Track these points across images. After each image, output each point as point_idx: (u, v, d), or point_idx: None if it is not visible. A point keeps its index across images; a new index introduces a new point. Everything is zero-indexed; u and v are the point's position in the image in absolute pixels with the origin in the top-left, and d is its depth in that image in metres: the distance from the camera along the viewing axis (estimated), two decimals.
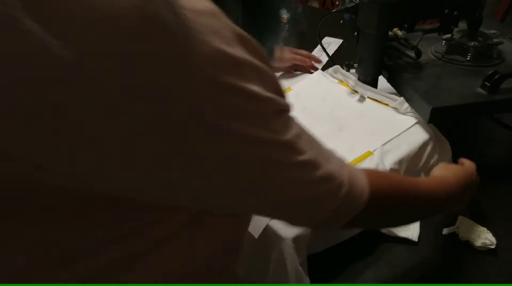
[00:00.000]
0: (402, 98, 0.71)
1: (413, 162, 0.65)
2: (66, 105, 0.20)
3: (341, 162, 0.39)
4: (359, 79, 0.80)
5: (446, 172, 0.55)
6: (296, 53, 1.00)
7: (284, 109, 0.31)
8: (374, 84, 0.80)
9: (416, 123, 0.69)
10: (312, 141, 0.35)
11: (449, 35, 0.76)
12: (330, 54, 1.16)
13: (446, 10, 0.72)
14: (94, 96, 0.21)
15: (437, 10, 0.73)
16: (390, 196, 0.43)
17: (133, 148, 0.24)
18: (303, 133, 0.34)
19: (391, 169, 0.62)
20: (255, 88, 0.27)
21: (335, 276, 0.58)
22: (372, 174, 0.42)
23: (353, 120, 0.72)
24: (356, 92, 0.78)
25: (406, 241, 0.62)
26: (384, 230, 0.62)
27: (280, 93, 0.31)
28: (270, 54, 0.39)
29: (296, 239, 0.52)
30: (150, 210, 0.30)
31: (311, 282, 0.55)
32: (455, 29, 0.76)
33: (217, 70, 0.24)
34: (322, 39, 1.25)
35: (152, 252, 0.32)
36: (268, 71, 0.29)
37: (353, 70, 0.81)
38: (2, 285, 0.28)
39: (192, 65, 0.23)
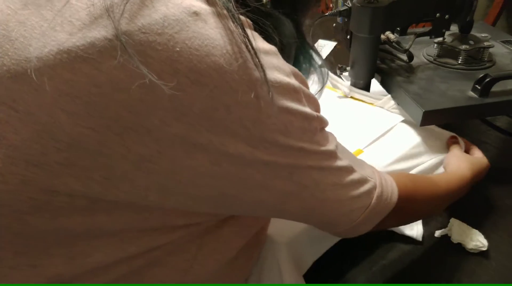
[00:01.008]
0: (388, 96, 0.72)
1: (409, 161, 0.65)
2: (150, 125, 0.25)
3: (371, 167, 0.43)
4: (351, 82, 0.81)
5: (465, 166, 0.60)
6: None
7: (324, 126, 0.37)
8: (367, 87, 0.80)
9: (403, 120, 0.70)
10: (345, 151, 0.40)
11: (440, 39, 0.77)
12: (324, 57, 1.17)
13: (438, 14, 0.72)
14: (176, 119, 0.25)
15: (428, 14, 0.73)
16: (415, 197, 0.48)
17: (205, 165, 0.27)
18: (338, 144, 0.39)
19: (386, 170, 0.62)
20: (308, 109, 0.32)
21: (328, 281, 0.58)
22: (398, 177, 0.46)
23: (341, 120, 0.73)
24: (344, 95, 0.79)
25: (399, 242, 0.62)
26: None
27: (320, 113, 0.36)
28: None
29: (290, 243, 0.52)
30: (173, 217, 0.32)
31: None
32: (447, 33, 0.77)
33: (283, 96, 0.30)
34: (315, 42, 1.26)
35: (162, 262, 0.34)
36: (314, 96, 0.35)
37: (346, 73, 0.81)
38: (2, 285, 0.28)
39: (263, 93, 0.28)
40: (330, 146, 0.36)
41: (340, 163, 0.37)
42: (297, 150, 0.32)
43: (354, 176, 0.39)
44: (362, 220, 0.41)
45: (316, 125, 0.34)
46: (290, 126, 0.31)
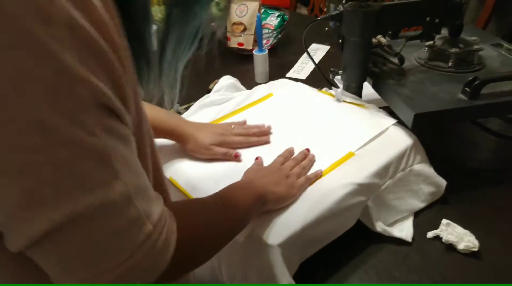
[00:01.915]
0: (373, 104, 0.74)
1: (398, 164, 0.66)
2: None
3: (160, 205, 0.33)
4: (344, 86, 0.82)
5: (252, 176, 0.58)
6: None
7: (112, 108, 0.26)
8: (359, 90, 0.81)
9: (396, 122, 0.71)
10: (138, 170, 0.30)
11: (431, 42, 0.78)
12: (318, 61, 1.18)
13: (428, 18, 0.73)
14: None
15: (418, 18, 0.74)
16: (200, 238, 0.40)
17: None
18: (130, 156, 0.28)
19: (378, 173, 0.62)
20: (69, 58, 0.22)
21: (321, 281, 0.59)
22: (182, 215, 0.37)
23: (334, 122, 0.74)
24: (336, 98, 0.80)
25: (391, 243, 0.63)
26: (379, 229, 0.63)
27: (119, 86, 0.26)
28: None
29: (283, 246, 0.53)
30: None
31: None
32: (437, 36, 0.78)
33: (24, 15, 0.21)
34: (309, 45, 1.27)
35: None
36: (104, 49, 0.24)
37: (338, 77, 0.82)
38: (2, 285, 0.28)
39: None
40: (105, 141, 0.25)
41: (115, 183, 0.26)
42: (37, 123, 0.22)
43: (130, 209, 0.28)
44: (132, 267, 0.29)
45: (83, 92, 0.23)
46: (27, 72, 0.21)
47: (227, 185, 0.51)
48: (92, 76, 0.23)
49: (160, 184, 0.41)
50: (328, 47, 1.25)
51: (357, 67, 0.78)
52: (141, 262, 0.30)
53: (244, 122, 0.75)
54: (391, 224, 0.65)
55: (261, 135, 0.72)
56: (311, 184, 0.61)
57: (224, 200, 0.48)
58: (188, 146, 0.67)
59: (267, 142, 0.71)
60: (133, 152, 0.29)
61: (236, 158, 0.67)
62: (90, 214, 0.26)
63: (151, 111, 0.63)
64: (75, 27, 0.22)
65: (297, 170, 0.62)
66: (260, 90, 0.87)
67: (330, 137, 0.71)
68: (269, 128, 0.74)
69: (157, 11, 0.35)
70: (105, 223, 0.27)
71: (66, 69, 0.22)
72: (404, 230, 0.64)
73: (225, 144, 0.68)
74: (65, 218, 0.25)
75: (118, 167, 0.27)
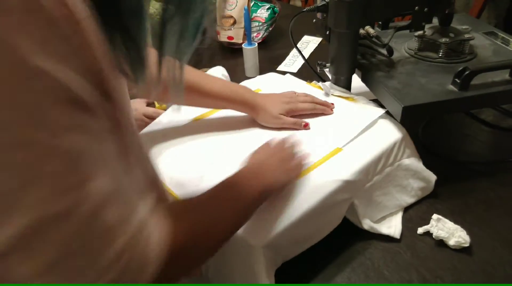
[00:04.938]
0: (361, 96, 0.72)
1: (386, 159, 0.64)
2: None
3: (139, 202, 0.29)
4: (332, 79, 0.80)
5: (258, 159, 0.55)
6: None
7: (87, 104, 0.23)
8: (348, 83, 0.79)
9: (384, 113, 0.69)
10: (115, 168, 0.27)
11: (420, 32, 0.76)
12: (309, 53, 1.16)
13: (416, 7, 0.71)
14: None
15: (406, 7, 0.72)
16: (202, 236, 0.38)
17: None
18: (105, 153, 0.25)
19: (365, 169, 0.61)
20: (25, 45, 0.20)
21: (308, 280, 0.57)
22: (180, 214, 0.36)
23: (321, 117, 0.72)
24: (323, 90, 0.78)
25: (380, 240, 0.62)
26: (366, 227, 0.61)
27: (100, 78, 0.24)
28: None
29: (266, 247, 0.51)
30: None
31: None
32: (427, 26, 0.76)
33: None
34: (301, 38, 1.25)
35: None
36: (72, 37, 0.22)
37: (326, 69, 0.80)
38: (2, 285, 0.26)
39: None
40: (76, 141, 0.23)
41: (85, 187, 0.23)
42: None
43: (103, 216, 0.25)
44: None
45: (47, 86, 0.21)
46: None
47: (212, 180, 0.47)
48: (56, 66, 0.21)
49: (151, 180, 0.40)
50: (320, 39, 1.23)
51: (345, 59, 0.75)
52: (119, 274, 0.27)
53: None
54: (379, 221, 0.63)
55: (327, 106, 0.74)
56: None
57: (229, 191, 0.45)
58: (259, 117, 0.72)
59: (331, 114, 0.73)
60: (109, 148, 0.27)
61: (306, 127, 0.70)
62: (50, 223, 0.23)
63: (220, 81, 0.72)
64: (34, 7, 0.20)
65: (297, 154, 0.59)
66: (247, 85, 0.85)
67: (317, 132, 0.69)
68: (333, 104, 0.75)
69: (154, 5, 0.32)
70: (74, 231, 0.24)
71: (22, 60, 0.20)
72: (392, 226, 0.62)
73: (292, 111, 0.71)
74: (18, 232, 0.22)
75: (89, 169, 0.24)
